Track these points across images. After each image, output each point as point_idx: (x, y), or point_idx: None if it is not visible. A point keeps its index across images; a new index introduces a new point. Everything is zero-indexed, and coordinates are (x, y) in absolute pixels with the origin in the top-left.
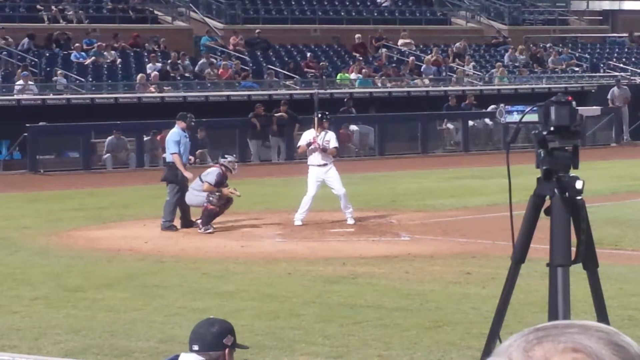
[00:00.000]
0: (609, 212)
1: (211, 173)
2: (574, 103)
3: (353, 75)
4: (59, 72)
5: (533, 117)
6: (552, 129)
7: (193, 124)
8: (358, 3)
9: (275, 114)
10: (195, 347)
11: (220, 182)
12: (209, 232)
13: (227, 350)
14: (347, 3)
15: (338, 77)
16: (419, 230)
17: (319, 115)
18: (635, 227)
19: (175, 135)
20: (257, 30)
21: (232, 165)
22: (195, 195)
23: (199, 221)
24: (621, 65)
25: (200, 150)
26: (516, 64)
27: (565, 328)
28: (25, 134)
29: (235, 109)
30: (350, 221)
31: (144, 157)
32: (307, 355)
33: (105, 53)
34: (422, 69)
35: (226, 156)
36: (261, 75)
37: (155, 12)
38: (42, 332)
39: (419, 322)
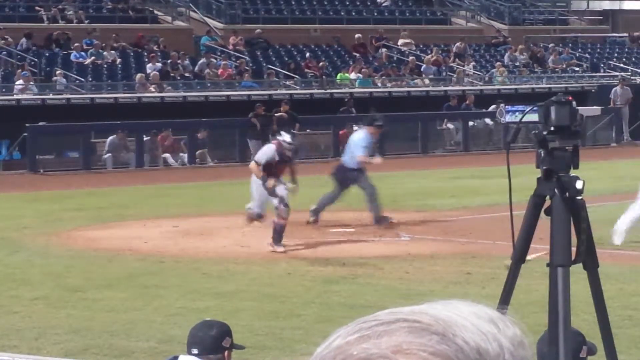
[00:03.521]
0: (609, 212)
1: (263, 150)
2: (574, 103)
3: (353, 75)
4: (58, 72)
5: (533, 117)
6: (552, 128)
7: (380, 124)
8: (358, 3)
9: (276, 114)
10: (195, 351)
11: (272, 159)
12: (282, 252)
13: (226, 353)
14: (347, 3)
15: (338, 77)
16: (419, 230)
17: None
18: (635, 227)
19: (363, 141)
20: (257, 30)
21: (288, 147)
22: (259, 185)
23: (269, 242)
24: (621, 65)
25: (200, 150)
26: (516, 64)
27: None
28: (25, 134)
29: (235, 109)
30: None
31: (144, 157)
32: (308, 356)
33: (105, 53)
34: (422, 69)
35: (282, 133)
36: (261, 75)
37: (155, 12)
38: (42, 332)
39: None
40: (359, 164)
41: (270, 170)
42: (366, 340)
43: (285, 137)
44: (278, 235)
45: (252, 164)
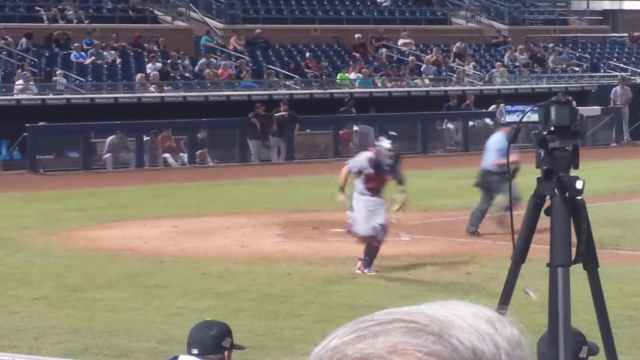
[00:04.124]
0: (609, 212)
1: (356, 158)
2: (574, 103)
3: (353, 75)
4: (58, 72)
5: (533, 117)
6: (552, 129)
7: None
8: (358, 3)
9: (275, 114)
10: (195, 351)
11: (366, 169)
12: (373, 273)
13: (226, 353)
14: (347, 3)
15: (338, 77)
16: (419, 230)
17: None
18: (635, 227)
19: (499, 143)
20: (257, 30)
21: (387, 153)
22: (365, 201)
23: (359, 263)
24: (621, 65)
25: (200, 150)
26: (516, 64)
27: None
28: (25, 134)
29: (235, 109)
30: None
31: (144, 157)
32: (307, 356)
33: (105, 53)
34: (422, 69)
35: (381, 138)
36: (261, 75)
37: (155, 12)
38: (42, 332)
39: None
40: (499, 168)
41: (369, 182)
42: (362, 340)
43: (384, 142)
44: (371, 258)
45: (343, 169)
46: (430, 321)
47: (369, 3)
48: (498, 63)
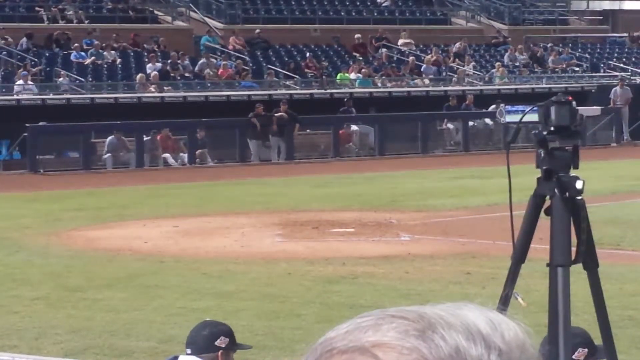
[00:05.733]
0: (609, 212)
1: None
2: (574, 103)
3: (353, 75)
4: (62, 72)
5: (533, 117)
6: (552, 128)
7: None
8: (358, 3)
9: (275, 114)
10: (189, 351)
11: None
12: None
13: (220, 353)
14: (347, 3)
15: (338, 77)
16: (419, 230)
17: None
18: (635, 227)
19: None
20: (257, 30)
21: None
22: None
23: None
24: (621, 65)
25: (200, 150)
26: (516, 64)
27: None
28: (25, 134)
29: (235, 109)
30: None
31: (144, 157)
32: None
33: (105, 53)
34: (422, 69)
35: None
36: (261, 75)
37: (155, 12)
38: (42, 332)
39: None
40: None
41: None
42: (351, 334)
43: None
44: None
45: None
46: (420, 318)
47: (369, 3)
48: (498, 63)
